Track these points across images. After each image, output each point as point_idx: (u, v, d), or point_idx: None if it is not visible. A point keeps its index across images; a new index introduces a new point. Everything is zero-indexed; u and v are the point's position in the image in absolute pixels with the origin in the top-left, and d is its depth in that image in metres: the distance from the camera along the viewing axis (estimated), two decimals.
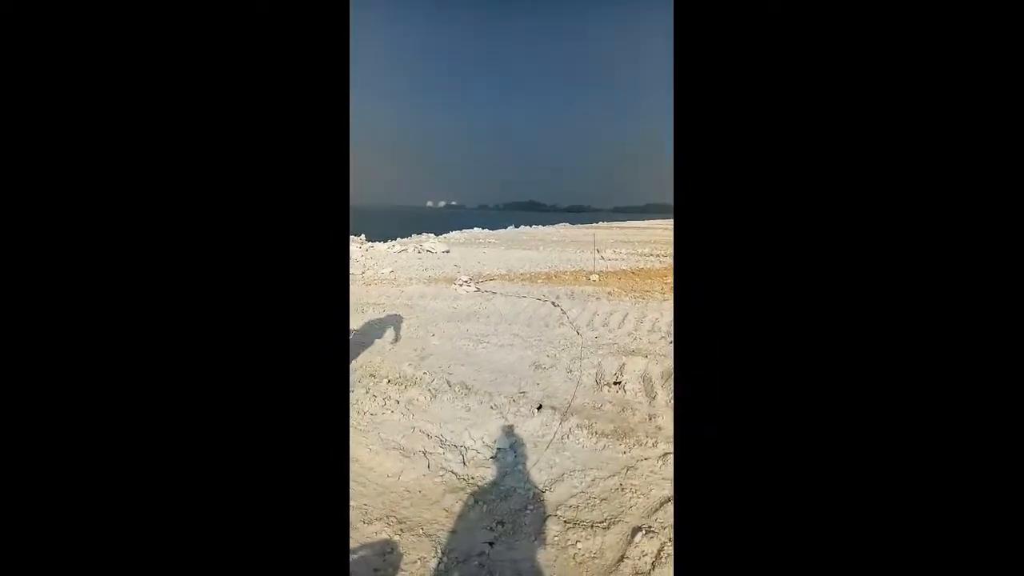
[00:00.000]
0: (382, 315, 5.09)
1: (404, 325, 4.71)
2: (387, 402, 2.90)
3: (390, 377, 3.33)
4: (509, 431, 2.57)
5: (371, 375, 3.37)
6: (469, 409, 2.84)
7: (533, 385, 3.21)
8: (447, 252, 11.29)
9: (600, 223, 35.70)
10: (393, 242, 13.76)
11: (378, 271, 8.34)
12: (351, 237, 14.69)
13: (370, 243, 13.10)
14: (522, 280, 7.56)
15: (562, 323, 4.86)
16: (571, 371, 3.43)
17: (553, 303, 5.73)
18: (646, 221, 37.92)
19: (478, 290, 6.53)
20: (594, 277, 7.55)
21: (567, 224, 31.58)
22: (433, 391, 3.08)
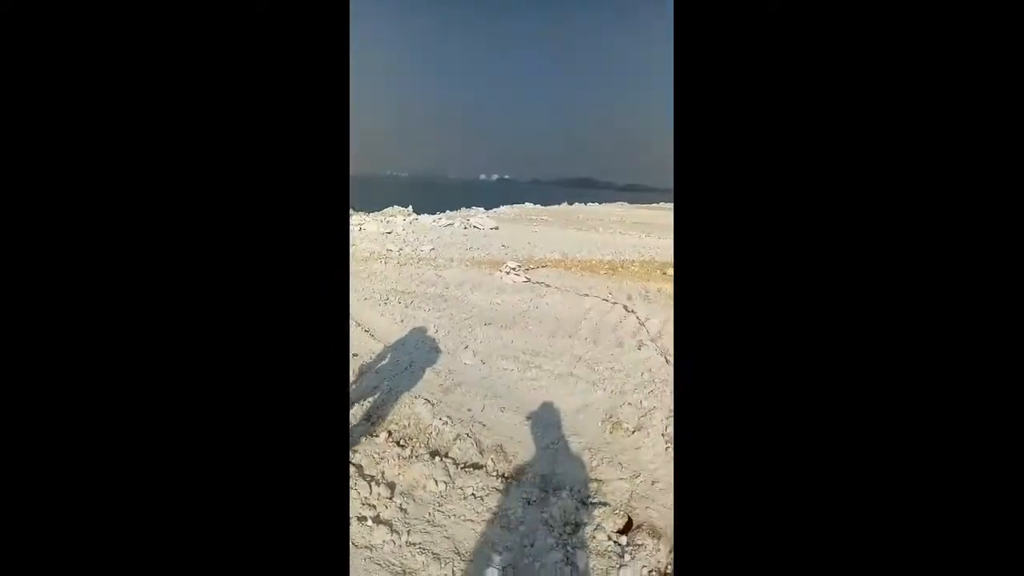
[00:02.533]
0: (407, 311, 4.04)
1: (433, 327, 3.63)
2: (376, 493, 1.77)
3: (393, 425, 2.25)
4: None
5: (367, 418, 2.31)
6: (507, 518, 1.69)
7: (613, 469, 2.01)
8: (495, 229, 10.14)
9: (660, 203, 33.03)
10: (440, 215, 12.78)
11: (417, 248, 7.35)
12: (397, 208, 13.95)
13: (415, 215, 12.16)
14: (581, 269, 6.28)
15: (640, 339, 3.58)
16: (670, 443, 2.19)
17: (625, 307, 4.43)
18: None
19: (528, 280, 5.35)
20: (671, 271, 6.11)
21: (625, 203, 29.36)
22: (453, 466, 1.96)
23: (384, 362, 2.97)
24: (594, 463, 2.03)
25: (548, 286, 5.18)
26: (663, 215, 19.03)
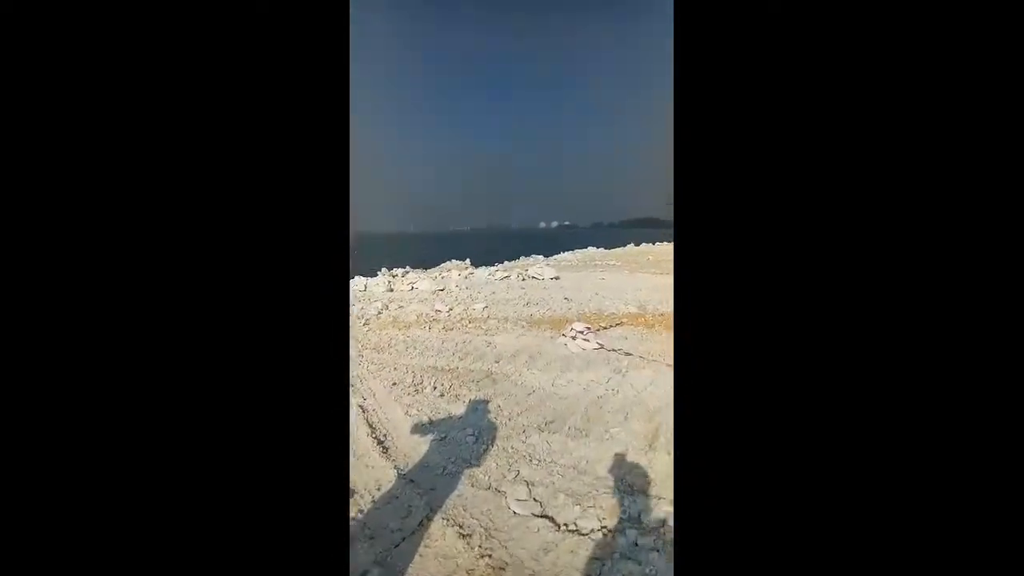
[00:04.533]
0: (441, 402, 3.01)
1: (472, 432, 2.55)
2: None
3: None
4: None
5: None
6: None
7: None
8: (556, 279, 9.10)
9: None
10: (497, 267, 12.05)
11: (469, 307, 6.47)
12: (454, 262, 13.52)
13: (472, 269, 11.50)
14: (665, 327, 4.97)
15: None
16: None
17: None
18: None
19: (600, 347, 4.15)
20: None
21: None
22: None
23: (388, 510, 1.91)
24: None
25: (629, 355, 3.95)
26: None
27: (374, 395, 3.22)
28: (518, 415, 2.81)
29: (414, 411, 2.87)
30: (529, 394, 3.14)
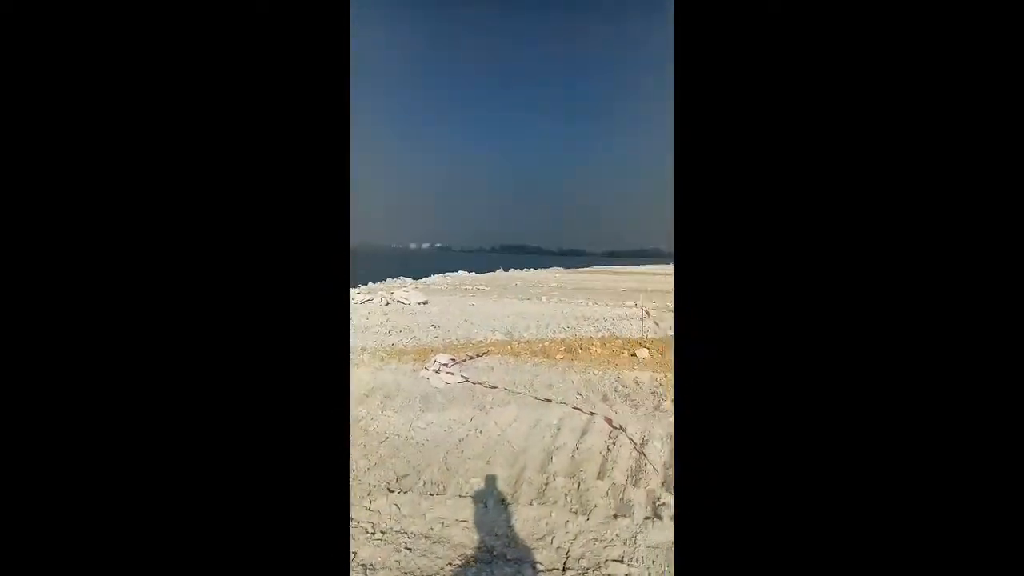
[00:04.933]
0: None
1: None
2: None
3: None
4: None
5: None
6: None
7: None
8: (424, 303, 8.70)
9: (594, 267, 33.62)
10: (359, 288, 11.11)
11: None
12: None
13: None
14: (531, 354, 4.98)
15: (648, 487, 2.25)
16: None
17: (608, 420, 3.12)
18: (642, 267, 35.62)
19: (465, 380, 3.92)
20: (643, 353, 4.99)
21: (561, 268, 29.34)
22: None
23: None
24: None
25: (494, 387, 3.78)
26: (601, 278, 18.77)
27: None
28: (365, 471, 2.38)
29: None
30: (382, 442, 2.72)
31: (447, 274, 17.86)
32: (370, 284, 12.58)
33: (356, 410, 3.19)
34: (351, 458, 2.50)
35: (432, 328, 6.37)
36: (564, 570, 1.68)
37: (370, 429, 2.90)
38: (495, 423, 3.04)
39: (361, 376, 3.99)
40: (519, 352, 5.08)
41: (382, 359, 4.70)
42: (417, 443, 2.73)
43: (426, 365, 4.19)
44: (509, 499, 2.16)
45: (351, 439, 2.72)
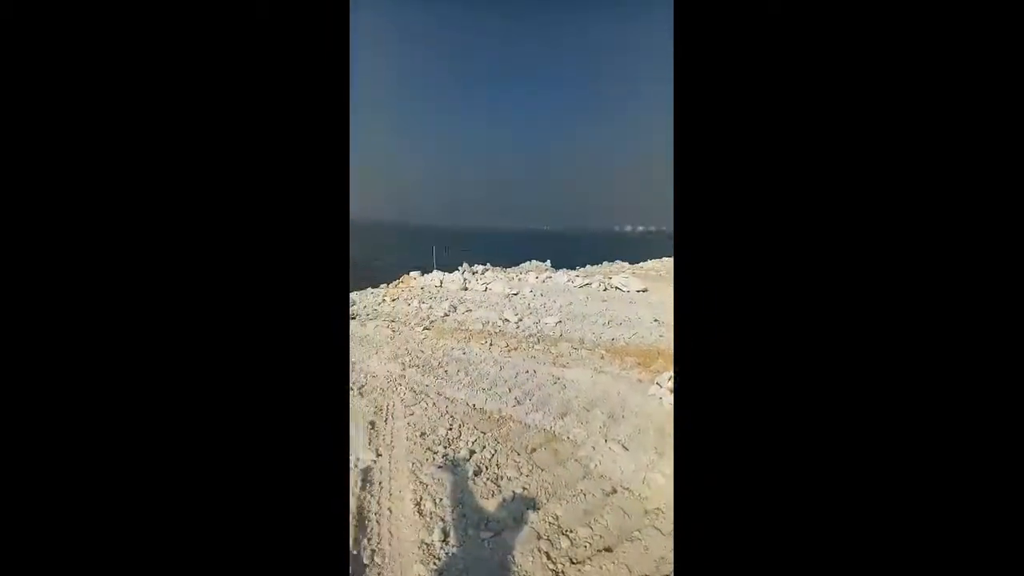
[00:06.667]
0: (463, 497, 2.05)
1: None
2: None
3: None
4: None
5: None
6: None
7: None
8: (643, 291, 7.75)
9: None
10: (578, 271, 10.88)
11: (541, 319, 5.50)
12: (534, 263, 12.59)
13: (550, 272, 10.45)
14: None
15: None
16: None
17: None
18: None
19: None
20: None
21: None
22: None
23: None
24: None
25: None
26: None
27: (391, 449, 2.38)
28: (569, 548, 1.76)
29: (427, 504, 1.95)
30: (608, 494, 2.06)
31: (664, 259, 16.18)
32: (588, 267, 12.28)
33: (572, 429, 2.64)
34: (551, 517, 1.94)
35: (655, 324, 5.43)
36: None
37: (590, 465, 2.29)
38: None
39: (580, 378, 3.46)
40: None
41: (602, 357, 4.10)
42: (650, 507, 1.97)
43: (656, 380, 3.36)
44: None
45: (574, 484, 2.15)
